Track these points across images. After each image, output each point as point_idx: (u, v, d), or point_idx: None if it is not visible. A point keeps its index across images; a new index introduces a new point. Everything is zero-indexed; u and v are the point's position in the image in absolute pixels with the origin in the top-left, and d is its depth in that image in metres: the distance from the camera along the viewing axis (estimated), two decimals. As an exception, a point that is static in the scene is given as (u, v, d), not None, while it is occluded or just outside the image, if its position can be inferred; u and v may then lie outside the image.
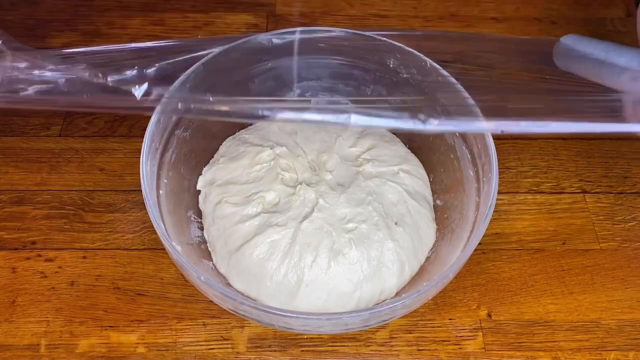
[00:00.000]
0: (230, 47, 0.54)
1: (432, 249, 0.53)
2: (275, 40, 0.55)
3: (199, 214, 0.55)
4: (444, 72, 0.54)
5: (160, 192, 0.50)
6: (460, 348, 0.50)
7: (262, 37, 0.54)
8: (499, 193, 0.48)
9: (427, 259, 0.53)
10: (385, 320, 0.46)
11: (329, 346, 0.49)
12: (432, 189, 0.57)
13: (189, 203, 0.55)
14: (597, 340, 0.51)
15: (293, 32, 0.55)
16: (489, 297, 0.53)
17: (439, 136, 0.57)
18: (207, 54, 0.54)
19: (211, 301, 0.48)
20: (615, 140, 0.63)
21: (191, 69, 0.53)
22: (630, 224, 0.58)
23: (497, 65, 0.61)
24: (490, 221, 0.47)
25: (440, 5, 0.75)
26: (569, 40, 0.59)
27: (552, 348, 0.50)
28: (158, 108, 0.41)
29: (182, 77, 0.52)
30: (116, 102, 0.41)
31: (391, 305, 0.43)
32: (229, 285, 0.50)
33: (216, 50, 0.54)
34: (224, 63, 0.55)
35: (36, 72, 0.43)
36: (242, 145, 0.57)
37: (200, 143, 0.57)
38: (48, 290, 0.52)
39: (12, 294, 0.52)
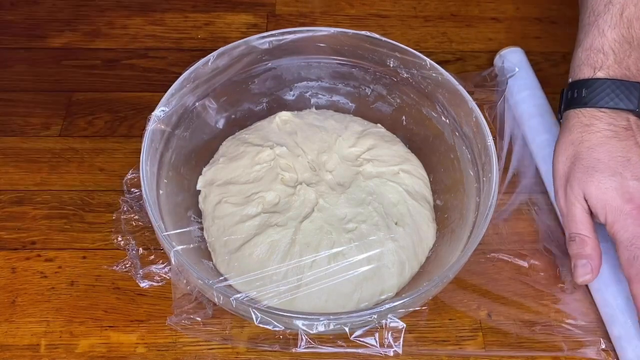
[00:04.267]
0: (229, 48, 0.54)
1: (432, 249, 0.53)
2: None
3: (199, 214, 0.55)
4: (444, 72, 0.54)
5: (160, 192, 0.50)
6: (460, 348, 0.50)
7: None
8: (499, 193, 0.48)
9: (427, 259, 0.53)
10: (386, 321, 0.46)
11: (328, 346, 0.49)
12: (432, 189, 0.57)
13: (189, 203, 0.55)
14: (597, 341, 0.51)
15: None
16: (489, 297, 0.53)
17: (439, 136, 0.57)
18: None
19: (211, 301, 0.48)
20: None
21: (191, 68, 0.53)
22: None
23: None
24: (490, 221, 0.47)
25: (440, 5, 0.75)
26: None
27: (551, 348, 0.50)
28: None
29: (182, 77, 0.53)
30: None
31: (391, 305, 0.43)
32: (229, 285, 0.50)
33: (216, 51, 0.54)
34: (224, 63, 0.55)
35: None
36: (242, 145, 0.57)
37: (200, 143, 0.57)
38: (48, 290, 0.52)
39: (12, 294, 0.52)
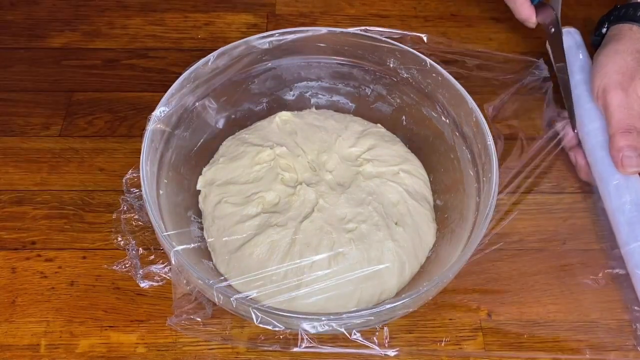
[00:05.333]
0: (229, 48, 0.54)
1: (432, 249, 0.53)
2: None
3: (199, 214, 0.55)
4: (444, 72, 0.54)
5: (160, 192, 0.50)
6: (460, 348, 0.50)
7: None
8: (499, 193, 0.48)
9: (427, 259, 0.53)
10: (385, 320, 0.46)
11: (328, 346, 0.49)
12: (432, 189, 0.57)
13: (189, 203, 0.55)
14: (597, 340, 0.51)
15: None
16: (489, 297, 0.53)
17: (439, 136, 0.57)
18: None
19: (211, 301, 0.48)
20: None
21: (191, 68, 0.53)
22: (631, 224, 0.57)
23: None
24: (490, 221, 0.47)
25: (440, 5, 0.75)
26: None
27: (552, 348, 0.50)
28: None
29: (182, 77, 0.53)
30: None
31: (391, 305, 0.43)
32: (229, 285, 0.50)
33: (216, 51, 0.54)
34: (224, 63, 0.55)
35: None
36: (242, 145, 0.57)
37: (200, 143, 0.57)
38: (48, 290, 0.52)
39: (12, 294, 0.52)
